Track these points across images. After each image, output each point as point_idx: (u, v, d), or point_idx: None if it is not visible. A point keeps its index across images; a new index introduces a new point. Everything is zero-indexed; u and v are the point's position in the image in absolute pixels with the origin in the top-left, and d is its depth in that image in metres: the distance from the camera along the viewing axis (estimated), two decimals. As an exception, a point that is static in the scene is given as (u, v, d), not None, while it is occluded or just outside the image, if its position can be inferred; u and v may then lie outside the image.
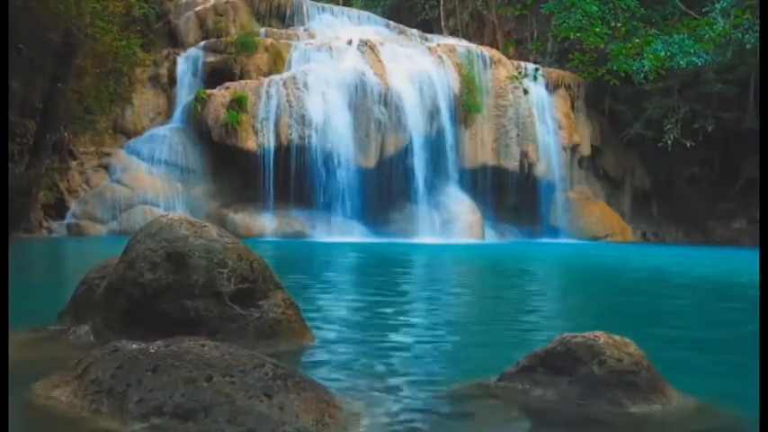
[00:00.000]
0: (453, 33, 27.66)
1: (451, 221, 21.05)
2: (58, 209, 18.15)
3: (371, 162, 20.64)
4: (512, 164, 23.35)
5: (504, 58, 23.89)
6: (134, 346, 2.68)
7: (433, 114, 21.52)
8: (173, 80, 21.25)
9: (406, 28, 25.55)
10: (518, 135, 23.41)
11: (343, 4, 27.70)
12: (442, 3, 29.34)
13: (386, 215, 20.91)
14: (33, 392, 2.67)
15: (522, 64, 22.41)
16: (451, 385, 3.21)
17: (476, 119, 22.76)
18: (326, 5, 25.45)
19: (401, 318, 5.44)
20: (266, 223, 19.42)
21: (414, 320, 5.36)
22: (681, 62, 19.85)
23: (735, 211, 25.00)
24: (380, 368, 3.55)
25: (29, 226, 16.60)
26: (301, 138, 19.85)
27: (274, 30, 22.75)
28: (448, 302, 6.86)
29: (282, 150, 19.77)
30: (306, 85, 20.29)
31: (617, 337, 2.94)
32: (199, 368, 2.49)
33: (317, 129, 19.93)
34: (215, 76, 20.88)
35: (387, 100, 20.80)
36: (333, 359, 3.73)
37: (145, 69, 20.61)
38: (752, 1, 11.56)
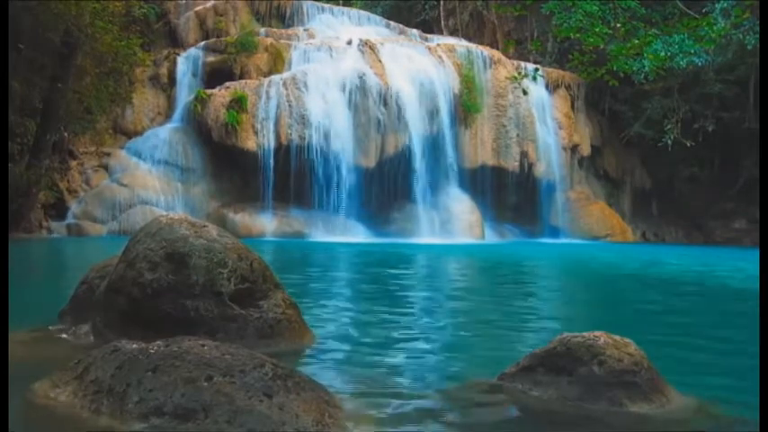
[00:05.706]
0: (453, 33, 27.66)
1: (451, 221, 21.04)
2: (58, 209, 18.14)
3: (371, 162, 20.63)
4: (512, 164, 23.35)
5: (504, 58, 23.89)
6: (134, 346, 2.68)
7: (432, 114, 21.51)
8: (173, 80, 21.26)
9: (406, 28, 25.56)
10: (518, 135, 23.41)
11: (343, 4, 27.68)
12: (442, 3, 29.33)
13: (386, 215, 20.91)
14: (33, 392, 2.67)
15: (522, 64, 22.40)
16: (451, 385, 3.22)
17: (476, 119, 22.75)
18: (326, 5, 25.46)
19: (401, 318, 5.44)
20: (266, 223, 19.41)
21: (413, 320, 5.35)
22: (681, 62, 19.86)
23: (735, 211, 25.01)
24: (380, 368, 3.55)
25: (29, 226, 16.58)
26: (301, 138, 19.84)
27: (274, 30, 22.77)
28: (448, 302, 6.85)
29: (282, 150, 19.77)
30: (306, 85, 20.28)
31: (617, 337, 2.94)
32: (199, 368, 2.49)
33: (317, 129, 19.92)
34: (215, 76, 20.89)
35: (387, 100, 20.79)
36: (333, 359, 3.73)
37: (145, 69, 20.61)
38: (752, 1, 11.55)
